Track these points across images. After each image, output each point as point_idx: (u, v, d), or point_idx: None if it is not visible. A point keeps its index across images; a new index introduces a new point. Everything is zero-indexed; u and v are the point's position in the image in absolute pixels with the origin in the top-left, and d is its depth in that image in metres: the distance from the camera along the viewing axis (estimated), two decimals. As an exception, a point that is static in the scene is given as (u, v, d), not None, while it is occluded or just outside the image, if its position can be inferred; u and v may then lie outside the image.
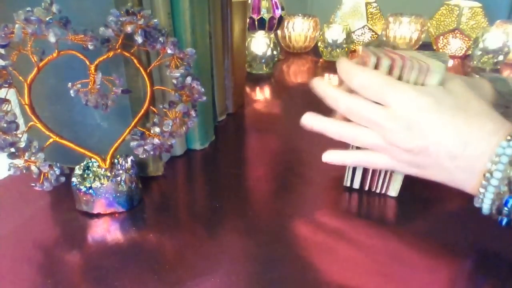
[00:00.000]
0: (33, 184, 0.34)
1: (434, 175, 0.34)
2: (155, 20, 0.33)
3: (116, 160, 0.38)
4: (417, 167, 0.34)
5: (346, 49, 0.93)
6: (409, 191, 0.40)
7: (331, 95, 0.37)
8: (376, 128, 0.34)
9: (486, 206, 0.30)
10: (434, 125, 0.32)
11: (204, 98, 0.37)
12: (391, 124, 0.33)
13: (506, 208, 0.29)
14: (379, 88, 0.33)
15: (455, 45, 0.99)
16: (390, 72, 0.34)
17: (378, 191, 0.40)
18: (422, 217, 0.38)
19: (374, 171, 0.40)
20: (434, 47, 1.03)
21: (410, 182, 0.37)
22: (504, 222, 0.30)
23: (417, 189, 0.39)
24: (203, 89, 0.36)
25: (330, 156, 0.39)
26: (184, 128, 0.37)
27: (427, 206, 0.39)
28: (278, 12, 0.76)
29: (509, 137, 0.29)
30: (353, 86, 0.35)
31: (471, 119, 0.31)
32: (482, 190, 0.30)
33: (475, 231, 0.35)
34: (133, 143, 0.36)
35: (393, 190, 0.40)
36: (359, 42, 1.05)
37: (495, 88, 0.42)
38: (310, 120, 0.38)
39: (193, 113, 0.37)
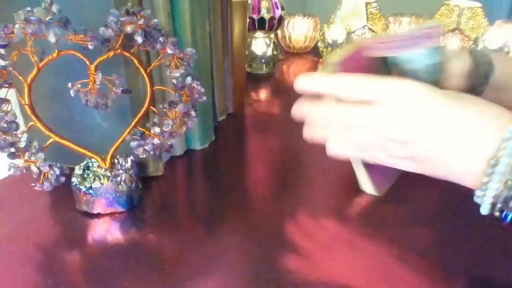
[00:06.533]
0: (33, 184, 0.34)
1: (433, 169, 0.31)
2: (155, 20, 0.33)
3: (116, 160, 0.38)
4: (415, 161, 0.31)
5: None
6: (408, 194, 0.40)
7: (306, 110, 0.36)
8: (367, 129, 0.32)
9: (488, 199, 0.27)
10: (426, 114, 0.29)
11: (204, 98, 0.37)
12: (382, 120, 0.31)
13: None
14: (361, 84, 0.32)
15: (454, 45, 0.98)
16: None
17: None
18: (421, 219, 0.38)
19: None
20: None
21: (410, 186, 0.37)
22: (509, 217, 0.27)
23: (416, 193, 0.39)
24: (203, 89, 0.36)
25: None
26: (184, 128, 0.37)
27: (426, 209, 0.39)
28: (278, 12, 0.76)
29: None
30: (333, 91, 0.33)
31: (466, 105, 0.29)
32: (485, 179, 0.26)
33: (474, 234, 0.35)
34: (133, 143, 0.36)
35: (365, 187, 0.40)
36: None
37: (473, 57, 0.40)
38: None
39: (193, 113, 0.37)
